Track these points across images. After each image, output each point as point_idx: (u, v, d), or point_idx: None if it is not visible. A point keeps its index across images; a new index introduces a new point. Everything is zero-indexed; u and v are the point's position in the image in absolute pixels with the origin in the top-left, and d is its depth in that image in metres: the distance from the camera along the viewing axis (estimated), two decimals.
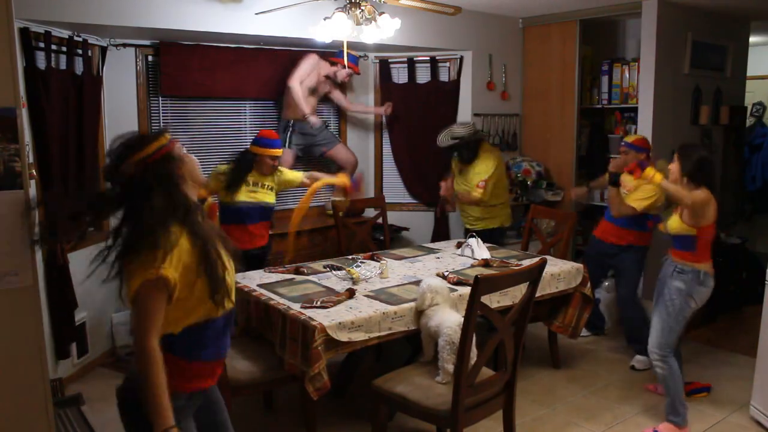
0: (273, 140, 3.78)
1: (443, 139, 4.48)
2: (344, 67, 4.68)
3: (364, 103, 5.32)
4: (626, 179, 3.87)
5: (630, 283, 4.04)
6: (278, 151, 3.78)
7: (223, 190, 3.72)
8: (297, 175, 4.02)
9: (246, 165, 3.75)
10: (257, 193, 3.79)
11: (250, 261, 3.69)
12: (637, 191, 3.79)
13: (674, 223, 3.12)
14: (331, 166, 5.07)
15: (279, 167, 3.90)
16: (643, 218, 3.85)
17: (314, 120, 4.60)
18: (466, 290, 2.70)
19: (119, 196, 1.73)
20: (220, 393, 2.01)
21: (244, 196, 3.74)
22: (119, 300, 1.79)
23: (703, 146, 3.15)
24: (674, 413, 3.12)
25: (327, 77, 4.80)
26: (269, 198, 3.85)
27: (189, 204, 1.77)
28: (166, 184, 1.72)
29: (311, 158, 4.96)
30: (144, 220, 1.66)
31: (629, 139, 4.06)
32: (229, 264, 1.83)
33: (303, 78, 4.63)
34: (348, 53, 4.41)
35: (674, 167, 3.13)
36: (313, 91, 4.75)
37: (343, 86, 5.10)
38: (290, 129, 4.70)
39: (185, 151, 1.85)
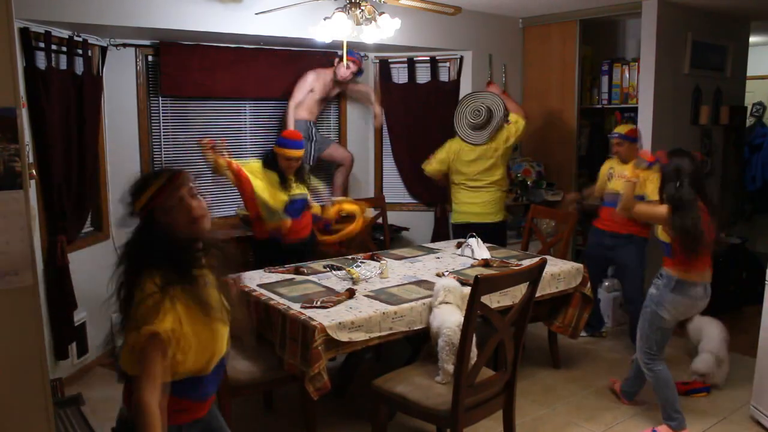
0: (288, 140, 3.74)
1: (478, 94, 4.66)
2: (338, 61, 4.68)
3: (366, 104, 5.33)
4: (620, 168, 4.03)
5: (636, 279, 4.04)
6: (292, 152, 3.71)
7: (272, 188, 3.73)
8: (321, 188, 4.27)
9: (271, 163, 3.74)
10: (291, 189, 3.78)
11: (292, 254, 3.72)
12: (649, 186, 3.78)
13: (659, 227, 3.12)
14: (330, 166, 5.07)
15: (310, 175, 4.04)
16: None
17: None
18: (467, 290, 2.70)
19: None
20: (219, 395, 1.99)
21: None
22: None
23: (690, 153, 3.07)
24: (669, 418, 3.11)
25: (333, 80, 4.79)
26: (301, 190, 3.84)
27: (190, 260, 1.70)
28: (164, 234, 1.67)
29: (312, 162, 4.94)
30: (145, 274, 1.62)
31: (622, 130, 4.08)
32: (226, 315, 1.77)
33: (299, 101, 4.66)
34: (348, 50, 4.40)
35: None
36: (322, 100, 4.79)
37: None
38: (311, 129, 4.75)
39: (193, 192, 1.74)
